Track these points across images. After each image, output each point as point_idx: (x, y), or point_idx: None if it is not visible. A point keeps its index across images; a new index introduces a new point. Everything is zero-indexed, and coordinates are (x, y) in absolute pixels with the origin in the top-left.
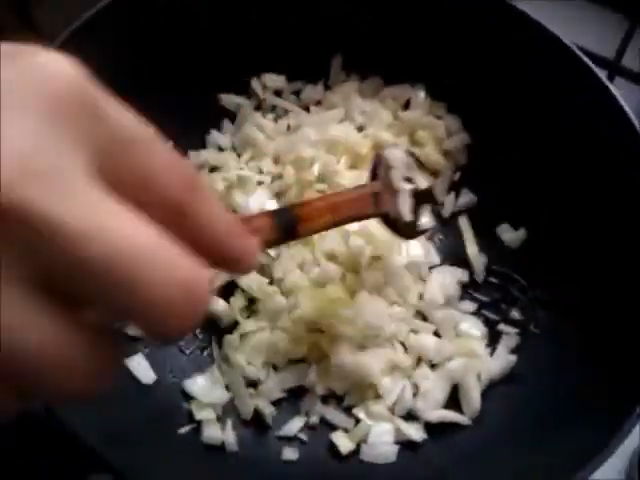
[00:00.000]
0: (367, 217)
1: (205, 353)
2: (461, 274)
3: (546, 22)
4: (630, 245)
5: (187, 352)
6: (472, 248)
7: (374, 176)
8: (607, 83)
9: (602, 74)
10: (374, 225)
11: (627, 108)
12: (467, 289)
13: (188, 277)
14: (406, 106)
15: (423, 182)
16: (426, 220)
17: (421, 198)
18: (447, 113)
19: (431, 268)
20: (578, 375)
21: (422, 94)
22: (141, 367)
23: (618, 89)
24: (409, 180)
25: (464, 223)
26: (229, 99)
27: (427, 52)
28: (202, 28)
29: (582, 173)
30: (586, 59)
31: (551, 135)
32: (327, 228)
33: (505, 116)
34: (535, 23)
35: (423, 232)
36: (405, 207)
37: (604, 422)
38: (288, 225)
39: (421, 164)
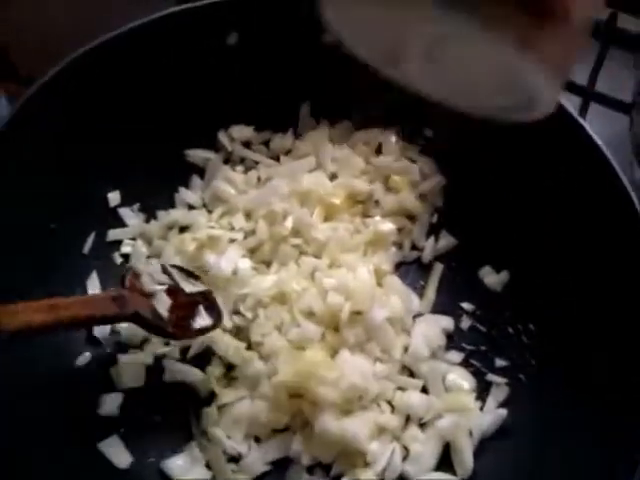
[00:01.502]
0: (112, 318)
1: (184, 428)
2: (446, 322)
3: None
4: (616, 282)
5: (164, 428)
6: (430, 294)
7: (123, 285)
8: (577, 117)
9: (576, 102)
10: (352, 281)
11: (599, 141)
12: (452, 338)
13: None
14: (378, 150)
15: (190, 287)
16: (201, 320)
17: (199, 301)
18: (420, 155)
19: (415, 317)
20: (570, 427)
21: (394, 138)
22: (115, 450)
23: (593, 116)
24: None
25: (437, 270)
26: (196, 154)
27: (397, 96)
28: (165, 84)
29: (559, 210)
30: None
31: (525, 173)
32: (49, 327)
33: (479, 156)
34: None
35: (196, 332)
36: (160, 305)
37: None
38: None
39: (190, 275)
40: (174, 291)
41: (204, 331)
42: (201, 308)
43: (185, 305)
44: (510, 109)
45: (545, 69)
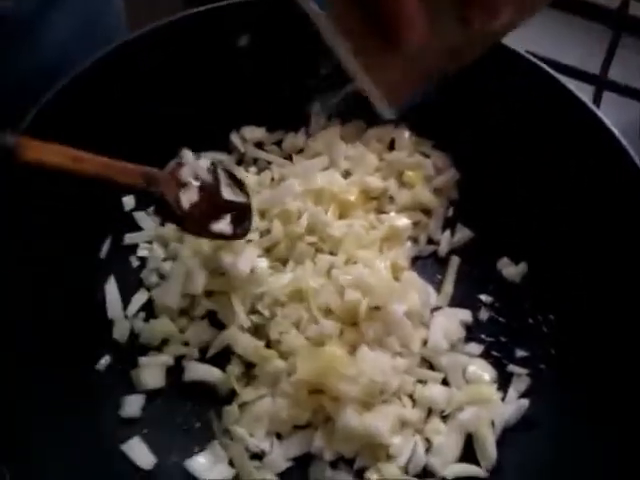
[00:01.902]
0: (134, 189)
1: (205, 427)
2: (464, 315)
3: (528, 42)
4: (636, 271)
5: (186, 428)
6: (448, 287)
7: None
8: (592, 106)
9: (590, 91)
10: (369, 276)
11: (614, 128)
12: (471, 330)
13: None
14: (391, 146)
15: (229, 194)
16: (222, 225)
17: (228, 210)
18: (434, 150)
19: (433, 311)
20: (592, 415)
21: (407, 133)
22: (139, 451)
23: (607, 104)
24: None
25: (454, 263)
26: (209, 156)
27: None
28: (176, 87)
29: (576, 199)
30: (569, 84)
31: (541, 163)
32: (65, 172)
33: (493, 148)
34: (516, 54)
35: (211, 234)
36: (185, 195)
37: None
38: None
39: (237, 185)
40: (209, 191)
41: (220, 236)
42: (228, 216)
43: (214, 207)
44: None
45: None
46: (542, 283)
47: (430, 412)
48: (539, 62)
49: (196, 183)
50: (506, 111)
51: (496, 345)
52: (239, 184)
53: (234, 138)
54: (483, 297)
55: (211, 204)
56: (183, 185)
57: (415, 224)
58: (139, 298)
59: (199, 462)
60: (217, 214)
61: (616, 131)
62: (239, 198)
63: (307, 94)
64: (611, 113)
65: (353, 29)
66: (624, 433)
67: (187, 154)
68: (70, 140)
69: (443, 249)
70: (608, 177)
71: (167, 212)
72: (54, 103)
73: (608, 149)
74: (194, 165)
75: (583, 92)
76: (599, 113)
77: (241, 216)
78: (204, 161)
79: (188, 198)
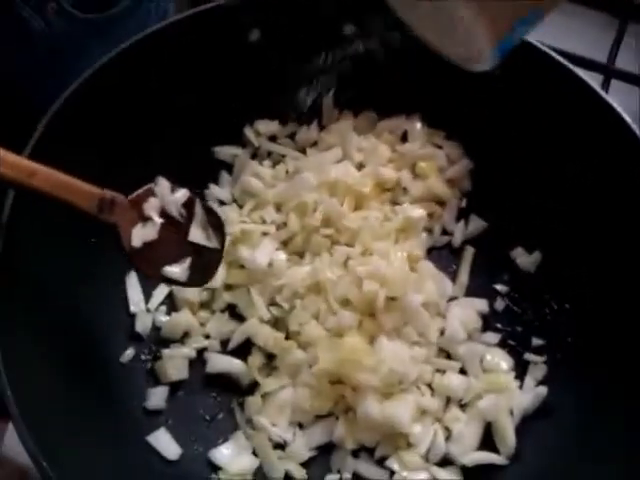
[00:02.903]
0: (86, 214)
1: (228, 418)
2: (481, 305)
3: (535, 32)
4: None
5: (210, 419)
6: (463, 277)
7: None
8: (603, 94)
9: (598, 80)
10: (386, 267)
11: (625, 116)
12: (488, 319)
13: None
14: (404, 137)
15: (198, 236)
16: (174, 270)
17: (196, 251)
18: (446, 140)
19: (449, 301)
20: (610, 401)
21: (419, 124)
22: (164, 442)
23: (615, 92)
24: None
25: (469, 253)
26: (224, 151)
27: (419, 81)
28: (190, 83)
29: (588, 188)
30: (580, 73)
31: (553, 152)
32: (18, 187)
33: (505, 138)
34: (526, 43)
35: (161, 278)
36: (140, 234)
37: None
38: None
39: (215, 227)
40: (174, 229)
41: (170, 281)
42: (188, 260)
43: (174, 247)
44: (467, 59)
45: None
46: (557, 272)
47: (449, 401)
48: (550, 51)
49: (159, 220)
50: (517, 101)
51: (512, 334)
52: (217, 225)
53: (248, 132)
54: (498, 287)
55: (171, 244)
56: (144, 219)
57: (429, 215)
58: (160, 292)
59: (223, 452)
60: (176, 256)
61: (629, 119)
62: (209, 242)
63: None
64: (619, 101)
65: None
66: None
67: (163, 184)
68: (85, 136)
69: (457, 239)
70: (621, 165)
71: (117, 242)
72: (72, 97)
73: (620, 137)
74: (166, 198)
75: (591, 81)
76: (611, 101)
77: (205, 262)
78: (182, 193)
79: (143, 235)
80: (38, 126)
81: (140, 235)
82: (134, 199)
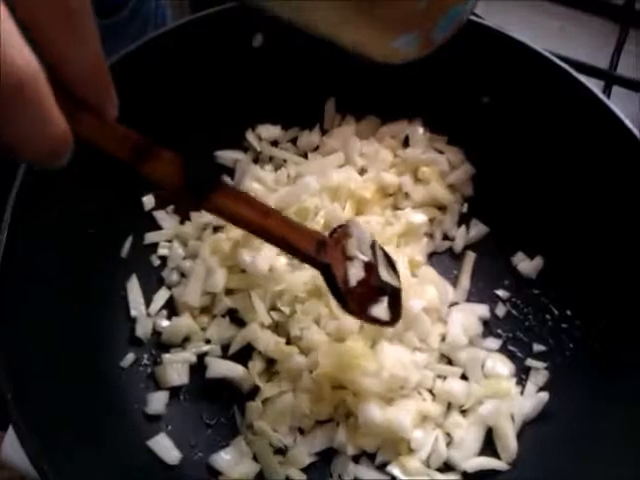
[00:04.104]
0: (305, 257)
1: (229, 423)
2: (482, 310)
3: (537, 39)
4: None
5: (210, 424)
6: (464, 283)
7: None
8: (604, 99)
9: (599, 86)
10: None
11: (627, 122)
12: (489, 325)
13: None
14: (405, 142)
15: (386, 275)
16: (380, 309)
17: (386, 292)
18: (448, 145)
19: (451, 306)
20: (611, 407)
21: (421, 129)
22: (165, 447)
23: (616, 98)
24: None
25: (469, 259)
26: (226, 155)
27: (421, 86)
28: (192, 87)
29: (590, 193)
30: (581, 77)
31: (554, 157)
32: (251, 228)
33: (507, 143)
34: (528, 48)
35: (368, 318)
36: (352, 273)
37: None
38: (200, 184)
39: (391, 266)
40: (369, 269)
41: (376, 321)
42: (385, 299)
43: (372, 288)
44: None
45: None
46: (558, 277)
47: (450, 406)
48: (551, 57)
49: (363, 257)
50: (519, 107)
51: (513, 340)
52: (392, 265)
53: (250, 137)
54: (500, 292)
55: (371, 284)
56: (349, 258)
57: (430, 220)
58: (161, 296)
59: (224, 457)
60: (375, 296)
61: (630, 124)
62: (394, 281)
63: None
64: (620, 107)
65: None
66: None
67: (356, 224)
68: None
69: (458, 245)
70: (622, 171)
71: (329, 283)
72: None
73: (622, 143)
74: (361, 237)
75: (593, 87)
76: (612, 107)
77: (394, 300)
78: (366, 234)
79: (355, 274)
80: None
81: (352, 274)
82: (336, 239)
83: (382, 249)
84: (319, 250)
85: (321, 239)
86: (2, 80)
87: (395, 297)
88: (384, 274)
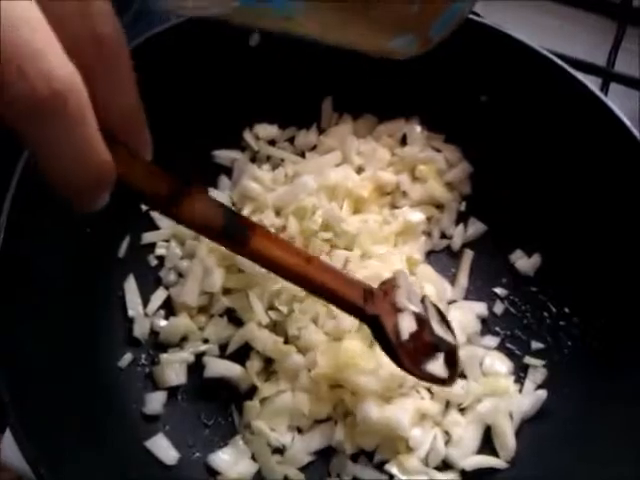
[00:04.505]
0: (350, 307)
1: (227, 422)
2: (480, 308)
3: (535, 37)
4: None
5: (208, 424)
6: (462, 281)
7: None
8: (602, 97)
9: (596, 83)
10: (385, 271)
11: (625, 119)
12: (487, 323)
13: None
14: (403, 141)
15: (439, 329)
16: (435, 367)
17: (441, 348)
18: (445, 144)
19: (449, 304)
20: (610, 405)
21: (418, 127)
22: (162, 447)
23: (614, 95)
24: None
25: (467, 257)
26: (223, 155)
27: (419, 84)
28: (189, 87)
29: (588, 189)
30: (579, 75)
31: (552, 155)
32: (291, 275)
33: (504, 141)
34: (525, 46)
35: (424, 375)
36: (404, 326)
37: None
38: (241, 228)
39: (445, 322)
40: (422, 322)
41: (433, 379)
42: (441, 356)
43: (426, 342)
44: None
45: None
46: (556, 275)
47: (448, 405)
48: (549, 54)
49: (414, 309)
50: (516, 104)
51: (512, 338)
52: (446, 322)
53: (247, 136)
54: (498, 290)
55: (424, 338)
56: (398, 310)
57: (428, 218)
58: (158, 296)
59: (222, 457)
60: (429, 351)
61: (628, 122)
62: (448, 336)
63: (318, 90)
64: (618, 104)
65: None
66: None
67: (403, 276)
68: None
69: (456, 243)
70: (620, 168)
71: (379, 336)
72: None
73: (620, 140)
74: (409, 289)
75: (590, 84)
76: (610, 104)
77: (449, 359)
78: (415, 288)
79: (407, 326)
80: None
81: (405, 326)
82: (384, 290)
83: (434, 304)
84: (366, 300)
85: (368, 288)
86: (39, 92)
87: (451, 354)
88: (438, 329)
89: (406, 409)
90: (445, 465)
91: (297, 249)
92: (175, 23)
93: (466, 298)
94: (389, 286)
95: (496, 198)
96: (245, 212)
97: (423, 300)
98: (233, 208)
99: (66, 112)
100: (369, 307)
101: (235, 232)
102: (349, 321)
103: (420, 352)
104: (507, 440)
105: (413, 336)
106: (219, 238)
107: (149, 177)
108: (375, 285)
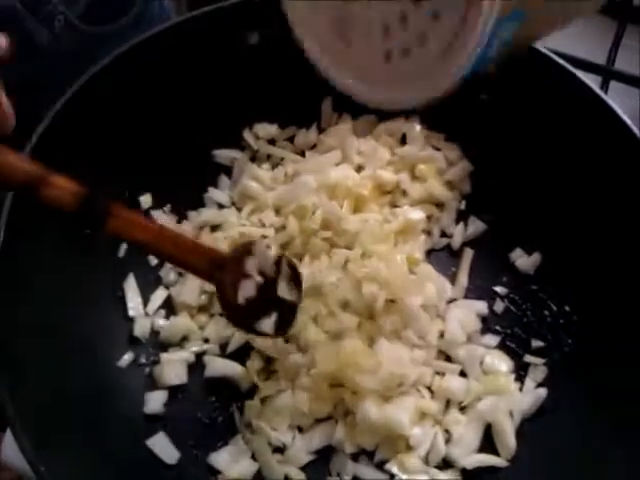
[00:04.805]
0: (199, 273)
1: (227, 422)
2: (480, 307)
3: None
4: None
5: (209, 423)
6: (463, 279)
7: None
8: (602, 96)
9: (596, 81)
10: (385, 270)
11: (625, 117)
12: (487, 322)
13: None
14: (403, 140)
15: (284, 291)
16: (266, 324)
17: (279, 305)
18: (445, 142)
19: (449, 303)
20: (610, 403)
21: (418, 127)
22: (163, 446)
23: (614, 93)
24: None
25: (467, 255)
26: (223, 154)
27: None
28: (189, 86)
29: (588, 189)
30: (579, 73)
31: (552, 153)
32: (148, 250)
33: (505, 139)
34: None
35: (255, 331)
36: (243, 290)
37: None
38: (94, 212)
39: (295, 281)
40: (266, 287)
41: (261, 334)
42: (274, 315)
43: (265, 303)
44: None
45: None
46: (556, 273)
47: (449, 403)
48: (549, 53)
49: (258, 279)
50: (516, 103)
51: (512, 336)
52: (297, 280)
53: (247, 135)
54: (498, 289)
55: (264, 300)
56: (245, 276)
57: (428, 217)
58: (158, 296)
59: (222, 456)
60: (266, 310)
61: (628, 120)
62: (292, 296)
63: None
64: (618, 102)
65: None
66: None
67: (260, 244)
68: (83, 142)
69: (456, 241)
70: (620, 166)
71: (220, 296)
72: (71, 102)
73: (620, 138)
74: (263, 257)
75: (590, 82)
76: (610, 102)
77: (285, 314)
78: (271, 252)
79: (245, 292)
80: (33, 134)
81: (242, 293)
82: (237, 257)
83: (291, 265)
84: (217, 267)
85: (216, 257)
86: None
87: (289, 311)
88: (282, 290)
89: (406, 408)
90: (445, 464)
91: (151, 225)
92: (175, 23)
93: (466, 297)
94: (242, 253)
95: (496, 197)
96: (245, 211)
97: (279, 261)
98: (96, 192)
99: None
100: (217, 273)
101: (90, 216)
102: (349, 320)
103: (254, 312)
104: (507, 438)
105: (250, 301)
106: (76, 222)
107: (7, 166)
108: None
